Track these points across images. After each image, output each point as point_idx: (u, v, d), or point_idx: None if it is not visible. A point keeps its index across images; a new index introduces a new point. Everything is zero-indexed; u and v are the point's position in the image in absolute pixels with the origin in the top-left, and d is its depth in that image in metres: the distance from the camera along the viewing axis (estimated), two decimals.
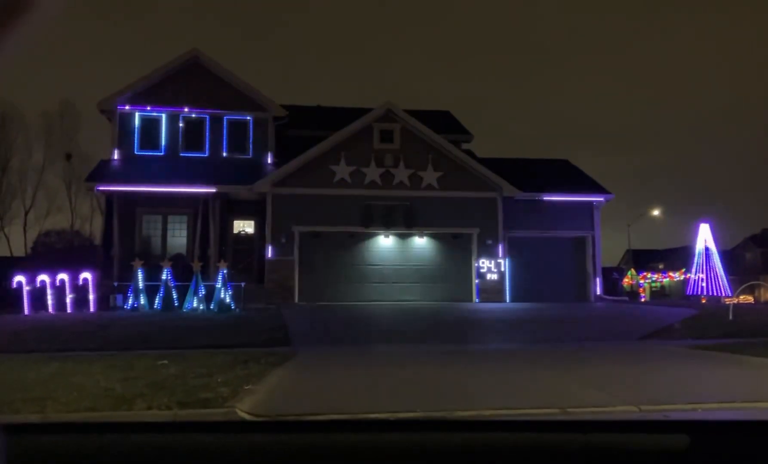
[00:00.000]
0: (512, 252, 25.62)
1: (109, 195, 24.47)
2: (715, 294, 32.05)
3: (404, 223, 24.50)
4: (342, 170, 24.40)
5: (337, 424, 1.81)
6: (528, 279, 25.61)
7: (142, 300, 19.78)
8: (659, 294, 51.06)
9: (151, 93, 25.97)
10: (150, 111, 25.97)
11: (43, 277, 19.25)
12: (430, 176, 24.75)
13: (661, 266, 59.95)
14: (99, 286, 20.40)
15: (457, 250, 25.18)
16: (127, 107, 25.82)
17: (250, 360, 9.93)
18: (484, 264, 24.90)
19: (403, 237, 24.89)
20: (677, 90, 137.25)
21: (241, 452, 1.71)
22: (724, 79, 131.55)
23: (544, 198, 26.28)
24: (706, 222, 33.50)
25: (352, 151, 24.57)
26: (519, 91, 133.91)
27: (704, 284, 32.43)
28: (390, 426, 1.82)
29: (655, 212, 49.52)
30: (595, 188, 27.60)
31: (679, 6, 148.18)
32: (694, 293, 32.86)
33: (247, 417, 6.42)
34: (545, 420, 1.77)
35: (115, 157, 25.78)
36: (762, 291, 46.77)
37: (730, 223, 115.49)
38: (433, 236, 25.08)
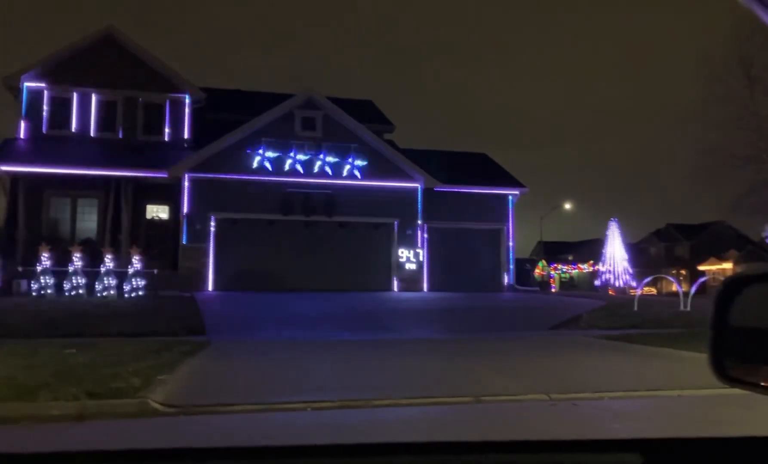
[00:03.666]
0: (431, 242, 25.95)
1: (14, 176, 23.28)
2: (621, 286, 33.45)
3: (325, 211, 24.41)
4: (262, 156, 24.05)
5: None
6: (445, 269, 26.00)
7: (49, 286, 18.95)
8: (568, 285, 52.82)
9: (62, 70, 24.79)
10: (60, 89, 24.81)
11: None
12: (351, 165, 24.73)
13: (570, 258, 62.04)
14: (2, 271, 19.44)
15: (377, 239, 25.29)
16: (35, 84, 24.60)
17: (162, 350, 9.70)
18: (404, 253, 25.13)
19: (323, 225, 24.76)
20: (590, 89, 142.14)
21: None
22: (636, 79, 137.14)
23: (463, 190, 26.70)
24: (613, 219, 34.97)
25: (272, 137, 24.24)
26: (439, 84, 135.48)
27: (611, 277, 33.82)
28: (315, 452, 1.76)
29: (567, 206, 51.20)
30: (510, 182, 28.26)
31: (600, 3, 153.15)
32: (602, 285, 34.22)
33: (160, 408, 6.27)
34: (494, 441, 1.77)
35: (22, 136, 24.55)
36: (664, 283, 49.10)
37: (635, 217, 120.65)
38: (353, 225, 25.06)
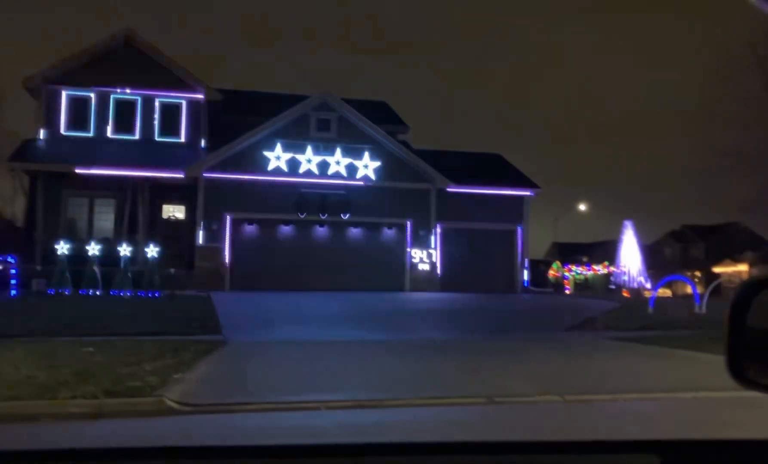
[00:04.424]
0: (444, 243, 25.97)
1: (33, 176, 23.61)
2: (636, 288, 33.24)
3: (339, 212, 24.52)
4: (277, 157, 24.19)
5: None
6: (459, 270, 26.00)
7: (67, 285, 19.16)
8: (583, 286, 52.45)
9: (80, 71, 25.08)
10: (79, 90, 25.10)
11: None
12: (366, 166, 24.83)
13: (585, 259, 61.59)
14: (21, 270, 19.67)
15: (390, 240, 25.37)
16: (54, 85, 24.88)
17: (179, 349, 9.77)
18: (417, 254, 25.18)
19: (337, 226, 24.88)
20: (604, 90, 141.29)
21: None
22: (650, 78, 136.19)
23: (477, 191, 26.70)
24: (628, 220, 34.73)
25: (288, 138, 24.39)
26: (452, 83, 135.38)
27: (626, 278, 33.61)
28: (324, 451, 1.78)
29: (581, 207, 50.97)
30: (525, 182, 28.22)
31: (617, 3, 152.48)
32: (617, 286, 34.01)
33: (176, 406, 6.34)
34: (509, 441, 1.78)
35: (41, 136, 24.85)
36: (680, 285, 48.71)
37: (650, 218, 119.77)
38: (367, 225, 25.16)
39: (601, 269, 41.07)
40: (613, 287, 34.61)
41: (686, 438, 1.89)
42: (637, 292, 32.56)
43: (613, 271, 35.19)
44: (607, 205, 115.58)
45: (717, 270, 55.57)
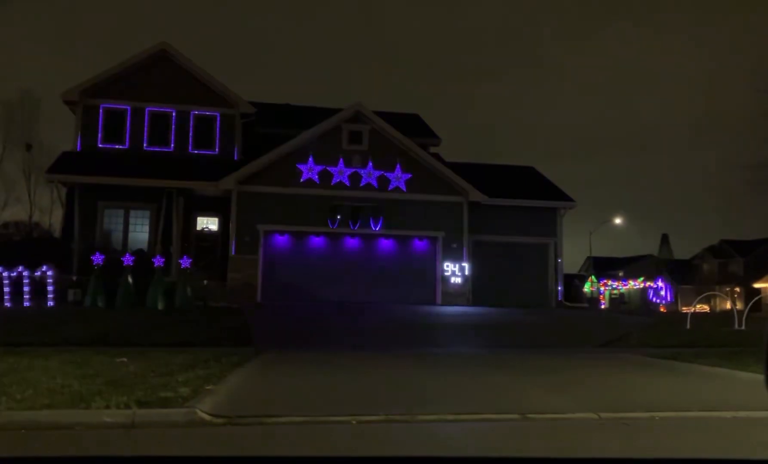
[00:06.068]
0: (476, 256, 25.79)
1: (70, 187, 24.04)
2: (673, 303, 32.71)
3: (370, 224, 24.53)
4: (310, 170, 24.33)
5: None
6: (491, 284, 25.81)
7: (102, 296, 19.41)
8: (618, 301, 51.81)
9: (117, 85, 25.57)
10: (115, 103, 25.57)
11: None
12: (397, 178, 24.83)
13: (621, 274, 60.81)
14: (58, 280, 20.00)
15: (422, 252, 25.28)
16: (92, 99, 25.37)
17: (211, 360, 9.82)
18: (449, 267, 25.03)
19: (369, 238, 24.88)
20: (642, 101, 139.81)
21: None
22: (687, 93, 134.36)
23: (510, 204, 26.51)
24: (665, 235, 34.23)
25: (320, 150, 24.52)
26: (485, 96, 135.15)
27: (663, 293, 33.08)
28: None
29: (617, 221, 50.32)
30: (558, 196, 27.94)
31: (652, 11, 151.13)
32: (654, 302, 33.48)
33: (208, 418, 6.34)
34: (544, 458, 1.74)
35: (78, 149, 25.33)
36: (718, 301, 47.76)
37: (688, 234, 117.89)
38: (399, 238, 25.11)
39: (637, 284, 40.51)
40: (649, 302, 34.07)
41: (724, 458, 1.82)
42: (674, 308, 32.04)
43: (650, 287, 34.66)
44: (644, 220, 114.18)
45: (757, 285, 54.39)
